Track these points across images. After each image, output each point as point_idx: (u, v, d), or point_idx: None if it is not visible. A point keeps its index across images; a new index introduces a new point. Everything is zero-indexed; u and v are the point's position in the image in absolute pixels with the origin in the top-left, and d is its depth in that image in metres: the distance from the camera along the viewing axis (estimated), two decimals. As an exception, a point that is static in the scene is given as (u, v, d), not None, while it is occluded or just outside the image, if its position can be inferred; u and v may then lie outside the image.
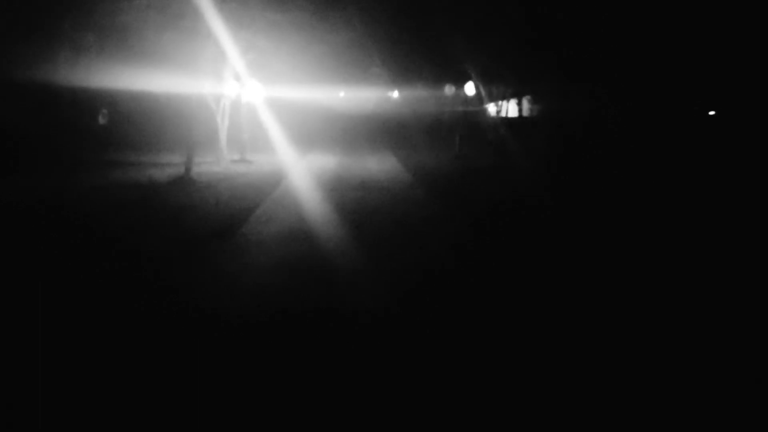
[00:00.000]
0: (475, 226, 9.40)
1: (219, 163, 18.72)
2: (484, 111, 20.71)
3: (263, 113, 20.83)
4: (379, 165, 19.26)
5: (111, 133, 24.69)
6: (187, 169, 14.39)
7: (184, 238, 8.15)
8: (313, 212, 10.26)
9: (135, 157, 19.48)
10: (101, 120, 24.79)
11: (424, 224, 9.43)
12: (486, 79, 19.20)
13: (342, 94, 55.86)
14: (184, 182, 13.95)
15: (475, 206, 11.53)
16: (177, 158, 19.14)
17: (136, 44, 17.45)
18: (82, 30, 16.89)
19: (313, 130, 28.77)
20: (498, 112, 21.09)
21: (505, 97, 19.45)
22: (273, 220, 9.47)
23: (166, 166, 17.06)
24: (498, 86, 19.00)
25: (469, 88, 19.29)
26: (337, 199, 11.74)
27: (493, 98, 19.35)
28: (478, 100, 20.20)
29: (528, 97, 24.71)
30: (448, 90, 20.23)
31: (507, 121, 21.12)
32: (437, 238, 8.42)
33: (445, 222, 9.73)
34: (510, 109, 23.91)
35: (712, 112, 17.76)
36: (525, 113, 26.42)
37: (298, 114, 25.76)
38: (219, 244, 7.85)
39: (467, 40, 19.35)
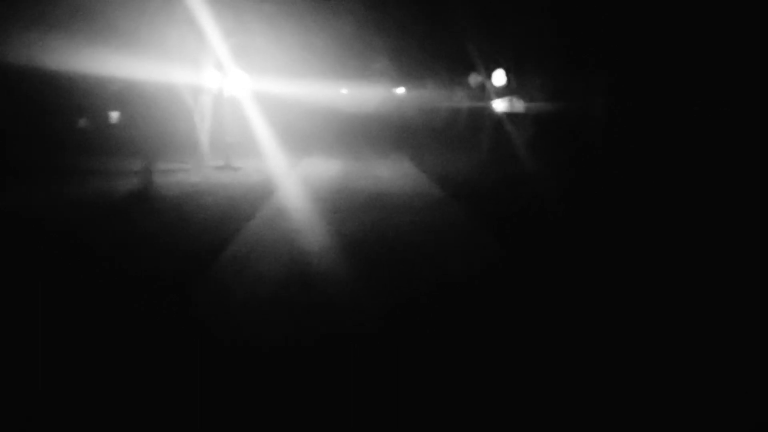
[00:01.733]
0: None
1: (198, 170, 15.62)
2: (513, 105, 17.61)
3: (252, 110, 17.70)
4: (394, 172, 16.13)
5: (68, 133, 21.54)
6: (145, 183, 11.24)
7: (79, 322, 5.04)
8: (309, 256, 7.11)
9: (95, 164, 16.28)
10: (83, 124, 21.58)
11: (496, 282, 6.29)
12: (519, 68, 16.09)
13: (345, 90, 53.00)
14: (138, 201, 10.81)
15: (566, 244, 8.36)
16: (159, 164, 16.04)
17: (89, 21, 14.28)
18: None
19: (313, 130, 25.45)
20: (525, 106, 18.01)
21: (538, 89, 16.36)
22: (247, 271, 6.33)
23: (128, 175, 13.89)
24: (533, 76, 15.89)
25: (498, 78, 16.19)
26: (345, 229, 8.61)
27: (526, 90, 16.23)
28: (507, 92, 17.04)
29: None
30: (473, 80, 17.13)
31: (535, 116, 18.03)
32: (531, 314, 5.29)
33: (531, 280, 6.59)
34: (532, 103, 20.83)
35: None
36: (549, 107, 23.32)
37: (294, 111, 22.55)
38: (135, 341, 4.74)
39: (495, 20, 16.22)
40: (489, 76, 16.50)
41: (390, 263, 6.65)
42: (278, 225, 8.76)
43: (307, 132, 24.50)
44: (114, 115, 21.25)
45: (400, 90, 52.37)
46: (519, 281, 6.07)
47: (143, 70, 14.99)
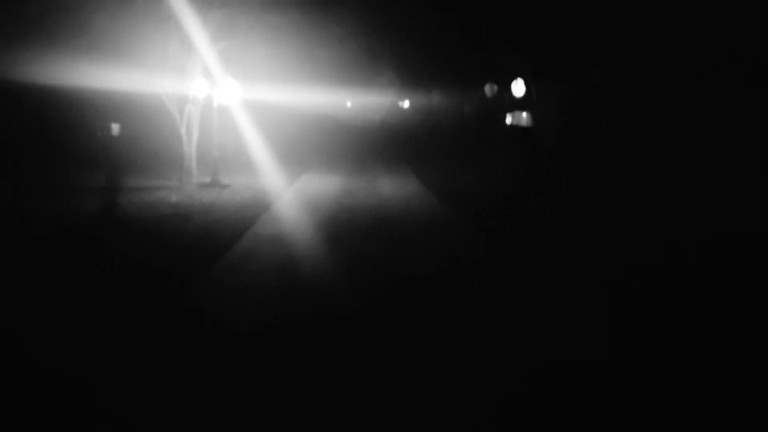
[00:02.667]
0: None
1: (182, 188, 14.11)
2: (530, 118, 16.10)
3: (244, 122, 16.23)
4: (399, 190, 14.58)
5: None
6: (109, 204, 9.73)
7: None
8: (299, 314, 5.56)
9: (59, 177, 14.78)
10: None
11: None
12: (540, 78, 14.58)
13: (348, 103, 51.89)
14: (101, 224, 9.27)
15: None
16: (139, 180, 14.61)
17: (69, 28, 12.89)
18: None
19: (312, 144, 23.90)
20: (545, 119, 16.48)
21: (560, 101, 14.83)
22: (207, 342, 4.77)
23: (92, 193, 12.36)
24: (556, 87, 14.37)
25: (517, 88, 14.70)
26: (344, 268, 7.03)
27: (547, 102, 14.73)
28: (526, 103, 15.51)
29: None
30: (489, 90, 15.61)
31: (556, 130, 16.51)
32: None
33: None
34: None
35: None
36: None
37: (292, 123, 21.02)
38: None
39: (514, 26, 14.76)
40: (506, 86, 15.01)
41: (409, 324, 5.07)
42: (261, 262, 7.19)
43: (305, 145, 23.00)
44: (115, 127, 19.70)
45: (405, 102, 51.19)
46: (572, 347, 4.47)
47: (123, 78, 13.57)
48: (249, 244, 8.09)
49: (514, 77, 14.86)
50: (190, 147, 15.42)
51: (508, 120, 21.01)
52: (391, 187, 15.19)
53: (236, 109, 15.81)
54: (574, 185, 13.90)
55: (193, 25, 13.21)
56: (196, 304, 5.51)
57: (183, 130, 14.72)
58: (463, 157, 22.73)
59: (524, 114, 16.84)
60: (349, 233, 8.94)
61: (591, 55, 14.44)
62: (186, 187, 14.24)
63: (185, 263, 6.98)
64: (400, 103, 54.59)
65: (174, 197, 12.97)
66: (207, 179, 14.89)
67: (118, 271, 6.58)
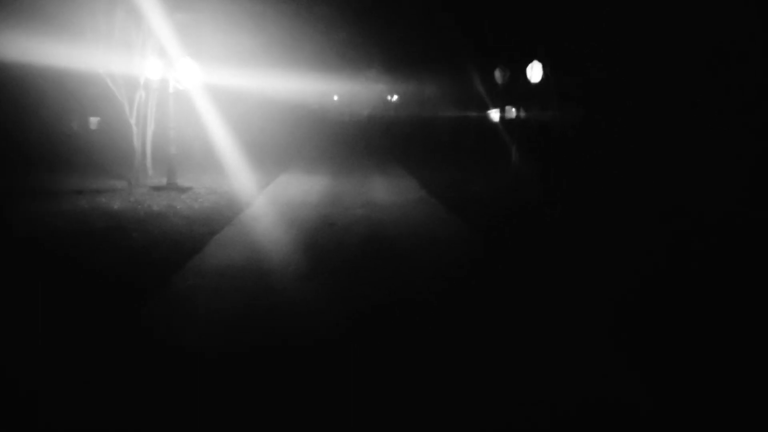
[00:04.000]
0: None
1: (131, 191, 11.68)
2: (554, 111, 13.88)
3: (208, 112, 13.76)
4: (396, 195, 12.28)
5: None
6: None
7: None
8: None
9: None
10: None
11: None
12: (559, 62, 12.32)
13: (336, 97, 49.62)
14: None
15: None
16: (82, 181, 12.19)
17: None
18: None
19: (292, 138, 21.22)
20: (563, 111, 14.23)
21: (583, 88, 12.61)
22: None
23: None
24: (577, 72, 12.11)
25: (534, 72, 12.39)
26: (328, 326, 4.72)
27: (568, 90, 12.51)
28: (545, 91, 13.18)
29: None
30: (501, 76, 13.24)
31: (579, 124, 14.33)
32: None
33: None
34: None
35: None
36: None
37: (267, 114, 18.38)
38: None
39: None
40: (519, 71, 12.73)
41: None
42: (205, 308, 4.84)
43: (285, 140, 20.42)
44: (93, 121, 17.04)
45: (395, 96, 48.99)
46: None
47: (52, 53, 11.07)
48: (189, 285, 5.70)
49: (529, 60, 12.57)
50: (142, 140, 12.99)
51: (508, 113, 18.85)
52: (385, 192, 12.85)
53: (199, 97, 13.32)
54: (594, 190, 11.71)
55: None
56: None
57: (133, 121, 12.25)
58: (465, 154, 20.47)
59: (539, 105, 14.63)
60: (336, 264, 6.59)
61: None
62: (136, 191, 11.80)
63: (79, 318, 4.60)
64: (389, 97, 52.44)
65: (117, 204, 10.53)
66: (162, 180, 12.45)
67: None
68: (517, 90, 14.98)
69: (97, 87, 11.83)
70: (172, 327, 4.55)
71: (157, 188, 12.07)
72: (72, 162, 15.52)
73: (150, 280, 5.70)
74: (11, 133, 13.24)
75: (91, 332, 4.33)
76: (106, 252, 6.89)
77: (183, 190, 12.01)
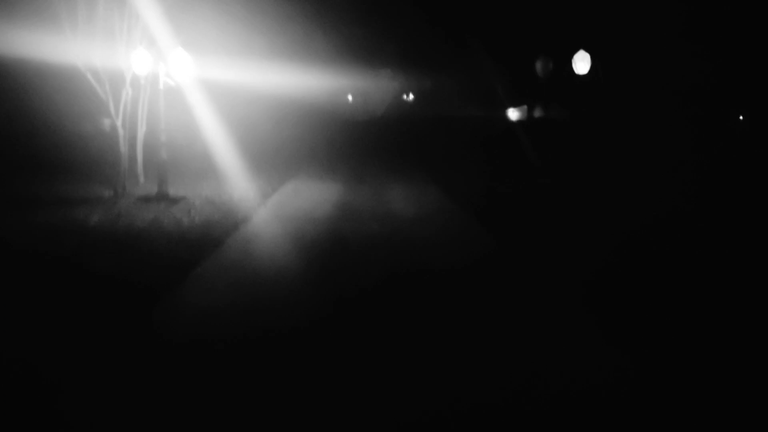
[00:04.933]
0: None
1: (116, 201, 10.27)
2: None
3: (205, 111, 12.26)
4: (420, 207, 10.73)
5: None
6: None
7: None
8: None
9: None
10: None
11: None
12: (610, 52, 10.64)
13: (350, 97, 48.20)
14: None
15: None
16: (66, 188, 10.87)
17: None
18: None
19: (301, 141, 19.52)
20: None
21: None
22: None
23: None
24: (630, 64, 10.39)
25: (581, 63, 10.70)
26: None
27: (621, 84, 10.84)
28: (592, 84, 11.44)
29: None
30: (543, 67, 11.53)
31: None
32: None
33: None
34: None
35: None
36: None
37: (274, 114, 16.67)
38: None
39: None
40: (564, 61, 11.04)
41: None
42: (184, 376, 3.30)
43: (293, 143, 18.78)
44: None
45: (410, 95, 47.40)
46: None
47: (27, 45, 9.66)
48: (157, 345, 4.18)
49: (575, 49, 10.89)
50: (132, 145, 11.58)
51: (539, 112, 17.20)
52: (406, 202, 11.24)
53: (195, 94, 11.81)
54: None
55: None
56: None
57: (119, 122, 10.80)
58: (489, 156, 18.78)
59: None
60: (355, 309, 5.02)
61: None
62: (121, 202, 10.35)
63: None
64: (405, 96, 50.91)
65: (96, 217, 9.12)
66: (152, 190, 10.98)
67: None
68: (554, 85, 13.30)
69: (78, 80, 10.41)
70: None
71: (146, 199, 10.60)
72: (69, 167, 14.17)
73: (128, 314, 4.19)
74: (16, 136, 11.84)
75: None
76: (62, 288, 5.39)
77: (174, 200, 10.52)
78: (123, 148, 10.87)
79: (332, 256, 6.87)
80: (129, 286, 5.51)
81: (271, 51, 13.98)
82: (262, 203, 10.53)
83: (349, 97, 48.95)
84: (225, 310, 4.93)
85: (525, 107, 28.58)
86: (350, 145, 25.43)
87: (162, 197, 10.60)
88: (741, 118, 16.06)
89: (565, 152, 15.83)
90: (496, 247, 7.63)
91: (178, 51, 10.34)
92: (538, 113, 20.74)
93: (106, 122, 17.18)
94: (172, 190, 11.41)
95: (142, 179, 12.12)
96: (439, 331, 4.50)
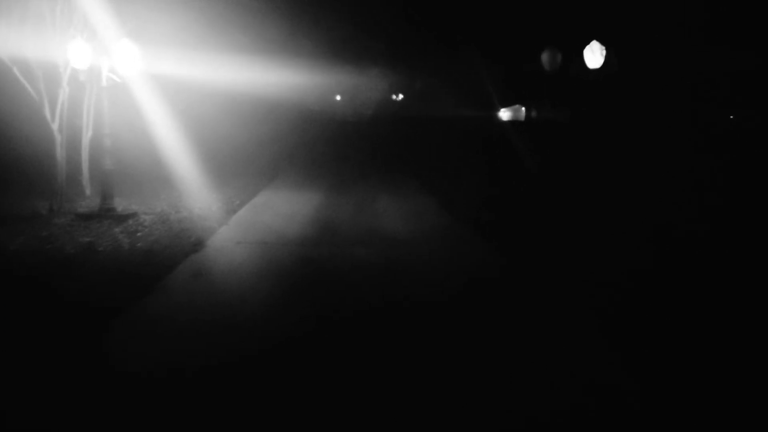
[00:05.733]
0: None
1: (50, 219, 8.70)
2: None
3: (159, 111, 10.66)
4: (413, 219, 9.24)
5: None
6: None
7: None
8: None
9: None
10: None
11: None
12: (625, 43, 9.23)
13: (338, 97, 46.64)
14: None
15: None
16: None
17: None
18: None
19: (282, 144, 17.64)
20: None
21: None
22: None
23: None
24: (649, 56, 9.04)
25: (593, 56, 9.26)
26: None
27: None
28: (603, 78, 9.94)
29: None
30: (550, 60, 10.06)
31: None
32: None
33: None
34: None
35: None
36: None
37: (243, 115, 14.93)
38: None
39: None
40: (575, 54, 9.60)
41: None
42: None
43: (268, 147, 17.01)
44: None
45: (401, 93, 46.10)
46: None
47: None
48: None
49: (586, 41, 9.45)
50: (76, 151, 9.98)
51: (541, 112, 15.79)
52: (396, 215, 9.71)
53: (146, 92, 10.16)
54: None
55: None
56: None
57: (55, 126, 9.18)
58: (487, 160, 17.31)
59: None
60: (337, 387, 3.54)
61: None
62: (56, 220, 8.75)
63: None
64: (394, 96, 49.47)
65: (20, 240, 7.57)
66: (94, 204, 9.39)
67: None
68: (557, 82, 11.85)
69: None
70: None
71: (87, 216, 8.99)
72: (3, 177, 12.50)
73: None
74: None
75: None
76: None
77: (121, 218, 8.92)
78: (60, 156, 9.26)
79: (310, 303, 5.33)
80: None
81: (243, 44, 12.40)
82: (226, 220, 8.96)
83: (338, 98, 47.43)
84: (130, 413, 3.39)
85: (519, 107, 27.31)
86: (335, 148, 23.88)
87: (106, 214, 8.98)
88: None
89: (569, 155, 14.45)
90: (503, 273, 6.18)
91: (123, 42, 8.76)
92: (538, 113, 19.39)
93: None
94: (122, 205, 9.85)
95: (88, 191, 10.51)
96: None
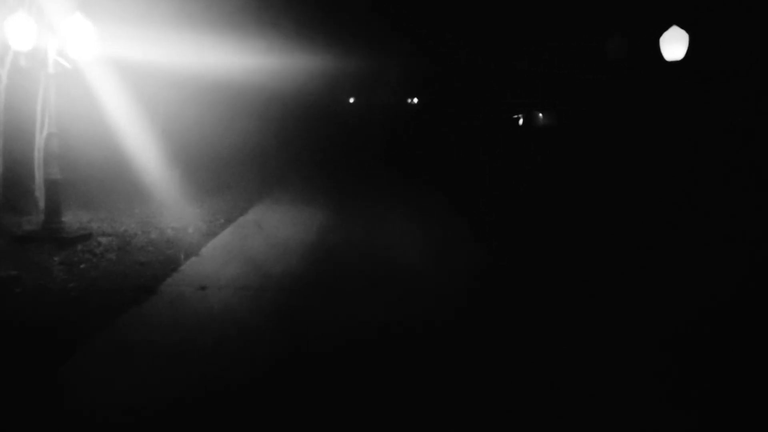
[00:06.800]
0: None
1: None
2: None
3: (122, 104, 8.74)
4: (443, 256, 7.24)
5: None
6: None
7: None
8: None
9: None
10: None
11: None
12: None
13: (352, 99, 44.75)
14: None
15: None
16: None
17: None
18: None
19: (273, 150, 15.22)
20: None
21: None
22: None
23: None
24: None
25: (674, 45, 7.25)
26: None
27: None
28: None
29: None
30: (617, 49, 7.98)
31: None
32: None
33: None
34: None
35: None
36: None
37: (228, 112, 12.69)
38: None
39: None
40: (649, 42, 7.58)
41: None
42: None
43: (266, 153, 14.82)
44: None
45: (417, 96, 44.36)
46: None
47: None
48: None
49: (664, 25, 7.45)
50: (27, 156, 8.15)
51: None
52: (419, 246, 7.70)
53: (109, 82, 8.23)
54: None
55: None
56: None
57: (-9, 123, 7.36)
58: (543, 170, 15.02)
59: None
60: None
61: None
62: (-13, 243, 6.90)
63: None
64: (409, 100, 47.56)
65: None
66: (36, 221, 7.52)
67: None
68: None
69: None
70: None
71: (26, 237, 7.12)
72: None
73: None
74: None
75: None
76: None
77: (68, 241, 7.04)
78: (-3, 160, 7.43)
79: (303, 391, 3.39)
80: None
81: (239, 23, 10.44)
82: (199, 248, 7.03)
83: (351, 100, 45.56)
84: None
85: (537, 112, 25.46)
86: (345, 155, 21.91)
87: (50, 236, 7.12)
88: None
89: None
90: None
91: (75, 18, 6.90)
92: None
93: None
94: (79, 222, 8.01)
95: (41, 204, 8.67)
96: None
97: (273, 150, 14.67)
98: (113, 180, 9.14)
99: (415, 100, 48.74)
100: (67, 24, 6.96)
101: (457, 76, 29.03)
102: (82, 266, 6.23)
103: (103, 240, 7.33)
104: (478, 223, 9.34)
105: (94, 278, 5.74)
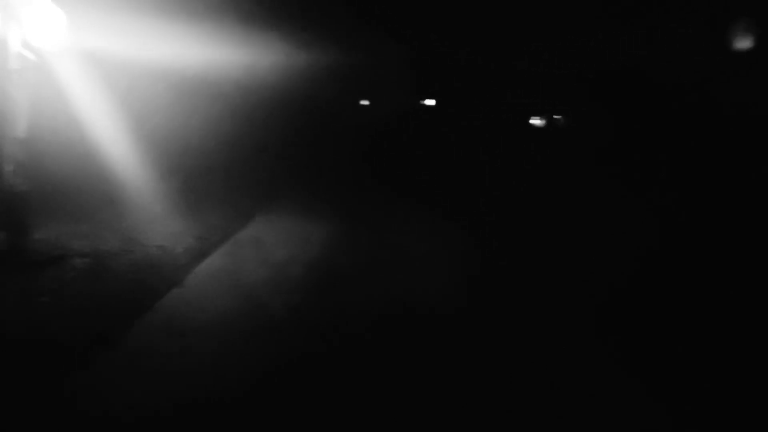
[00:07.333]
0: None
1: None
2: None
3: (97, 101, 7.67)
4: (464, 297, 6.12)
5: None
6: None
7: None
8: None
9: None
10: None
11: None
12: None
13: (366, 102, 43.34)
14: None
15: None
16: None
17: None
18: None
19: (278, 155, 13.89)
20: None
21: None
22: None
23: None
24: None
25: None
26: None
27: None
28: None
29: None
30: (741, 39, 6.62)
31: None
32: None
33: None
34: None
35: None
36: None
37: (232, 115, 11.56)
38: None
39: None
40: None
41: None
42: None
43: (272, 158, 13.60)
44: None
45: (433, 96, 43.19)
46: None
47: None
48: None
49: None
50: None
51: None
52: (441, 291, 6.60)
53: (71, 73, 7.13)
54: None
55: None
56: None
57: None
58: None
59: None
60: None
61: None
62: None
63: None
64: (422, 101, 46.19)
65: None
66: (6, 240, 6.52)
67: None
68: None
69: None
70: None
71: (-14, 259, 6.11)
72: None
73: None
74: None
75: None
76: None
77: (36, 264, 6.02)
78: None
79: None
80: None
81: (234, 12, 9.32)
82: (185, 273, 5.97)
83: (364, 102, 44.27)
84: None
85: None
86: (356, 164, 20.70)
87: (14, 258, 6.10)
88: None
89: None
90: None
91: (41, 3, 5.87)
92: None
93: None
94: (57, 238, 6.99)
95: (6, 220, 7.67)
96: None
97: (282, 154, 13.46)
98: (98, 189, 8.11)
99: (432, 102, 47.05)
100: (30, 10, 5.94)
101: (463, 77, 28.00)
102: (42, 299, 5.19)
103: (78, 262, 6.29)
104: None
105: (48, 320, 4.68)
